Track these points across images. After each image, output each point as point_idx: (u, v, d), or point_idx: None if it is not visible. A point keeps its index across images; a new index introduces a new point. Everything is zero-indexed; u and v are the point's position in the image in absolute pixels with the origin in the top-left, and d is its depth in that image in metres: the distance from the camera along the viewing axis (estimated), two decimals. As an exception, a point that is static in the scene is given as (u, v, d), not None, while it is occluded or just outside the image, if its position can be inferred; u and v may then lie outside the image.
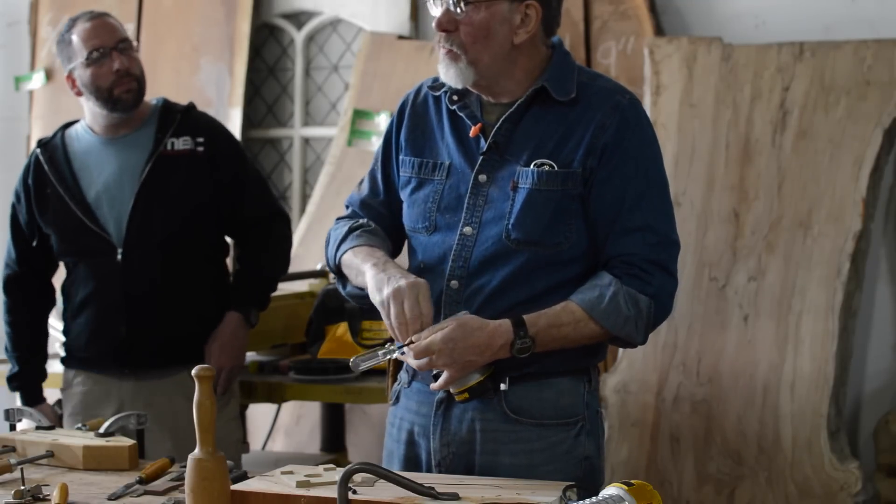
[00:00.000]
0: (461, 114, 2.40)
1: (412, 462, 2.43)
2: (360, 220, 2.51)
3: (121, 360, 3.39)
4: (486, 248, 2.33)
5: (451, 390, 2.31)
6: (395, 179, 2.51)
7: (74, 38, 3.36)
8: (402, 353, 2.26)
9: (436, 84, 2.46)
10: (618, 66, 4.61)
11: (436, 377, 2.31)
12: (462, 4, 2.29)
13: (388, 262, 2.36)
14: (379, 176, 2.54)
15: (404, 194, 2.47)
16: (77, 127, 3.51)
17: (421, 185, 2.43)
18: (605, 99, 2.35)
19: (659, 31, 4.59)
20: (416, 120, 2.48)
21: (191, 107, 3.52)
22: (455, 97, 2.42)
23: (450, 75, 2.34)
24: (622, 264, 2.31)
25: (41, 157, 3.45)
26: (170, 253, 3.38)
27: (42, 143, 3.50)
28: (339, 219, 2.56)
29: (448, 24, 2.31)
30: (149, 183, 3.36)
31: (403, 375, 2.48)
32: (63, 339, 3.58)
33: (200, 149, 3.42)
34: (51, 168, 3.42)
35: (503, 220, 2.33)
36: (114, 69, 3.33)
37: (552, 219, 2.32)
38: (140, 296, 3.36)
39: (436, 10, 2.35)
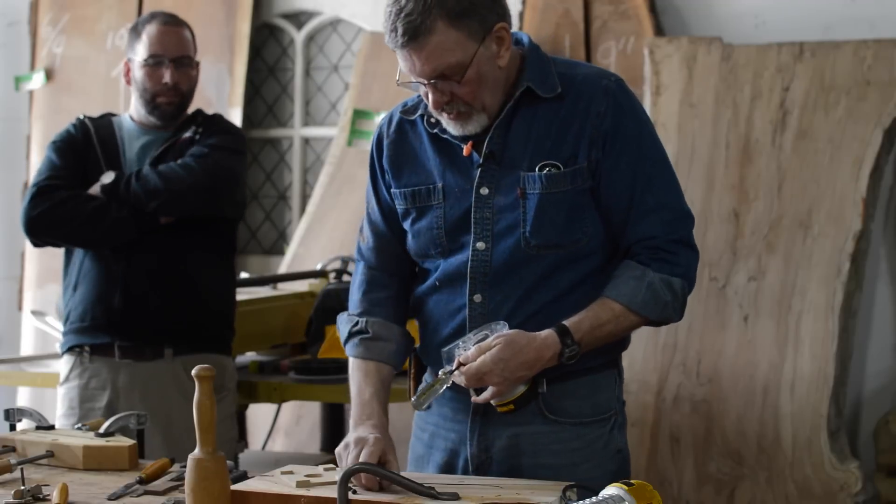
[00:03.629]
0: (444, 136, 2.37)
1: (449, 470, 2.40)
2: (359, 322, 2.44)
3: (116, 329, 3.41)
4: (504, 259, 2.31)
5: (494, 402, 2.29)
6: (389, 211, 2.45)
7: (144, 35, 3.46)
8: (455, 378, 2.25)
9: (408, 108, 2.41)
10: (618, 66, 4.61)
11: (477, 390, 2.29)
12: (445, 79, 2.25)
13: (359, 416, 2.33)
14: (377, 216, 2.48)
15: (406, 226, 2.42)
16: (121, 117, 3.60)
17: (421, 215, 2.38)
18: (593, 86, 2.32)
19: (659, 31, 4.59)
20: (396, 149, 2.42)
21: (216, 115, 3.65)
22: (433, 120, 2.37)
23: (469, 129, 2.31)
24: (646, 249, 2.30)
25: (89, 124, 3.52)
26: (174, 239, 3.43)
27: (90, 118, 3.57)
28: (353, 273, 2.52)
29: (444, 98, 2.27)
30: (154, 165, 3.45)
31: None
32: (61, 330, 3.59)
33: (197, 136, 3.51)
34: (99, 139, 3.50)
35: (518, 228, 2.30)
36: (163, 80, 3.44)
37: (568, 218, 2.30)
38: (141, 270, 3.41)
39: (409, 85, 2.30)
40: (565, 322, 2.26)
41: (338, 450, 2.27)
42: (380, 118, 4.93)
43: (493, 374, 2.21)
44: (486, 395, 2.26)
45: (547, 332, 2.25)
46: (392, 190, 2.43)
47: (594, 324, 2.26)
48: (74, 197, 3.39)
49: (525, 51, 2.38)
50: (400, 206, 2.42)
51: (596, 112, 2.30)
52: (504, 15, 2.28)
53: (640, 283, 2.27)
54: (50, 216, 3.38)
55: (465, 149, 2.33)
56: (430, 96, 2.28)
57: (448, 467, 2.41)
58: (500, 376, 2.21)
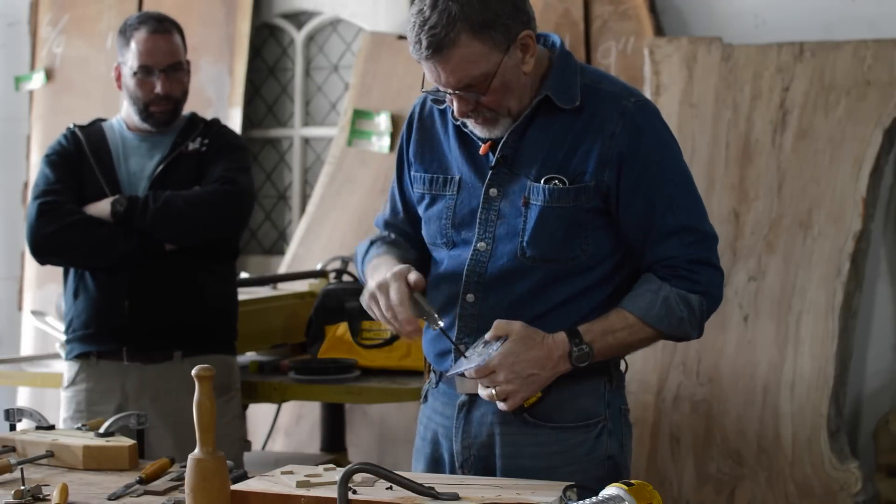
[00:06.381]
0: (466, 130, 2.38)
1: (436, 462, 2.43)
2: (382, 233, 2.53)
3: (125, 336, 3.41)
4: (501, 264, 2.32)
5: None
6: (410, 195, 2.50)
7: (132, 44, 3.45)
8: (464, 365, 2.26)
9: (439, 97, 2.41)
10: (618, 66, 4.61)
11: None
12: (469, 89, 2.25)
13: (382, 261, 2.37)
14: (396, 194, 2.54)
15: (420, 210, 2.45)
16: (112, 121, 3.59)
17: (434, 201, 2.41)
18: (611, 106, 2.30)
19: (659, 31, 4.60)
20: (423, 134, 2.45)
21: (214, 120, 3.63)
22: None
23: (495, 133, 2.32)
24: (665, 268, 2.30)
25: (79, 134, 3.51)
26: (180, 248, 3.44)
27: (80, 126, 3.56)
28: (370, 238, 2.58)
29: (468, 107, 2.28)
30: (160, 179, 3.45)
31: (432, 375, 2.47)
32: (62, 336, 3.58)
33: (203, 149, 3.51)
34: (90, 148, 3.49)
35: (517, 236, 2.31)
36: (154, 91, 3.44)
37: (566, 234, 2.29)
38: (148, 278, 3.41)
39: (434, 93, 2.33)
40: (577, 326, 2.27)
41: (368, 295, 2.29)
42: (379, 118, 4.96)
43: (502, 368, 2.21)
44: (510, 403, 2.25)
45: (558, 333, 2.26)
46: (413, 173, 2.46)
47: (606, 329, 2.27)
48: (83, 221, 3.37)
49: (554, 56, 2.36)
50: (418, 191, 2.45)
51: (610, 132, 2.28)
52: (528, 22, 2.27)
53: (656, 296, 2.28)
54: (58, 240, 3.37)
55: (483, 148, 2.34)
56: (455, 104, 2.28)
57: (435, 461, 2.43)
58: (510, 371, 2.21)
